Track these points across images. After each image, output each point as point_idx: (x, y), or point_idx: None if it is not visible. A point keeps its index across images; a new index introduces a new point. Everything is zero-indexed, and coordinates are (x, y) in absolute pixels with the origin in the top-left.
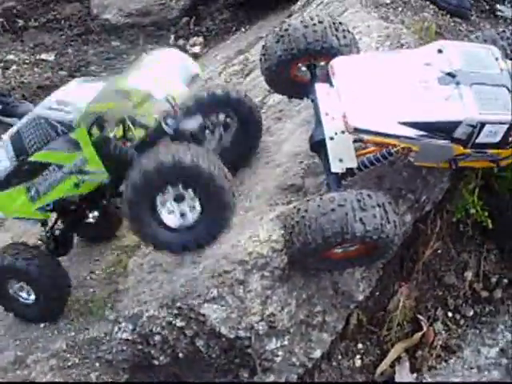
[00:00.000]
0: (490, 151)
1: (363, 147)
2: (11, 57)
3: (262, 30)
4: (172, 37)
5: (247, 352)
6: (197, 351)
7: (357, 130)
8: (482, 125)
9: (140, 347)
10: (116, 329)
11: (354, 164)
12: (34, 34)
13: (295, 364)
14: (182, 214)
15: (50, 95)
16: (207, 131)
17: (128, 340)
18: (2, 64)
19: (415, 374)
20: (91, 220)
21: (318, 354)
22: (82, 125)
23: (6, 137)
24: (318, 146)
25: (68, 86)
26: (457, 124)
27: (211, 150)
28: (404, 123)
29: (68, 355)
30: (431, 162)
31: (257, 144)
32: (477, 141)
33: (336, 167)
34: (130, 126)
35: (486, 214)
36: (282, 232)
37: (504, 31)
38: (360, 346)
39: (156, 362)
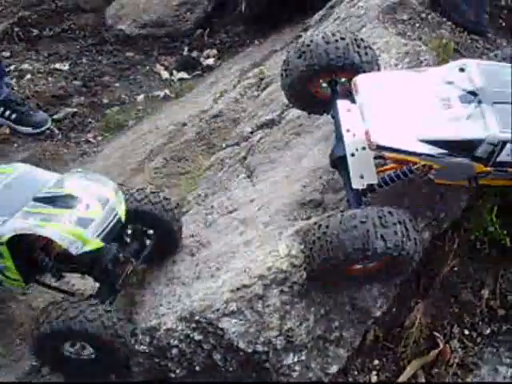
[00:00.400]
0: (511, 170)
1: (383, 164)
2: (26, 66)
3: (276, 43)
4: (186, 48)
5: (264, 366)
6: (214, 365)
7: (379, 147)
8: (504, 143)
9: (157, 360)
10: (133, 341)
11: (374, 180)
12: (49, 43)
13: (312, 379)
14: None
15: None
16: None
17: (145, 352)
18: (16, 73)
19: None
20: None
21: (334, 369)
22: (5, 245)
23: None
24: (339, 162)
25: (7, 177)
26: (478, 142)
27: (108, 311)
28: (425, 141)
29: None
30: (451, 179)
31: (177, 247)
32: (498, 159)
33: (357, 183)
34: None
35: (505, 232)
36: (302, 247)
37: None
38: (376, 362)
39: (172, 375)
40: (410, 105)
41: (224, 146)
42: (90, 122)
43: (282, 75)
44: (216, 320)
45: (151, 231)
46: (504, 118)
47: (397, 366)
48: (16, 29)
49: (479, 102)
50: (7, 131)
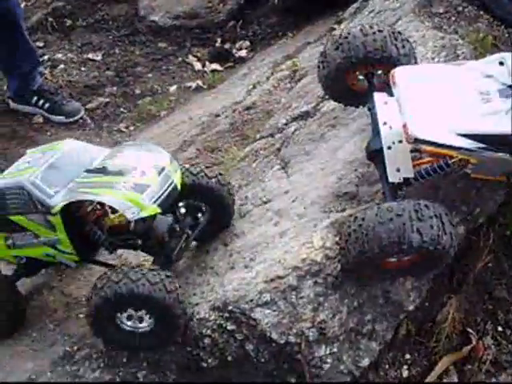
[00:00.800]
0: None
1: (419, 158)
2: (59, 56)
3: (309, 35)
4: (218, 40)
5: (296, 358)
6: (246, 355)
7: (417, 141)
8: None
9: (189, 349)
10: None
11: (410, 174)
12: (82, 33)
13: (343, 372)
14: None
15: (38, 162)
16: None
17: (177, 342)
18: (50, 63)
19: None
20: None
21: (366, 362)
22: (59, 214)
23: None
24: (375, 155)
25: (57, 152)
26: None
27: (168, 276)
28: (463, 135)
29: (116, 354)
30: (489, 174)
31: (229, 223)
32: None
33: (393, 177)
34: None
35: None
36: (336, 239)
37: None
38: (408, 356)
39: (204, 365)
40: (448, 98)
41: (258, 137)
42: (123, 112)
43: (318, 67)
44: (249, 310)
45: (204, 206)
46: None
47: (428, 361)
48: (50, 19)
49: None
50: (40, 120)
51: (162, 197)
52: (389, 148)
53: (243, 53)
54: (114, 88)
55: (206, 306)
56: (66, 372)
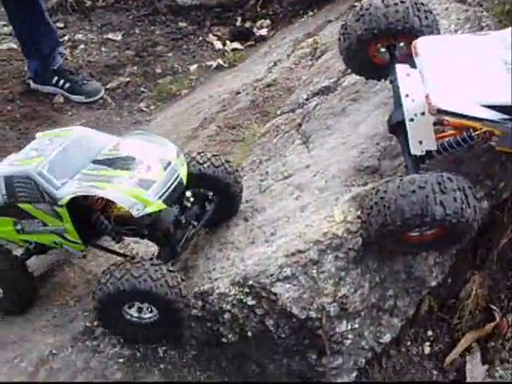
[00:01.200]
0: None
1: (441, 130)
2: (79, 36)
3: (330, 13)
4: (239, 19)
5: (317, 333)
6: (266, 330)
7: (440, 112)
8: None
9: (209, 324)
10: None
11: (433, 146)
12: (102, 14)
13: (364, 348)
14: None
15: (46, 151)
16: (191, 201)
17: (197, 317)
18: (70, 43)
19: (486, 366)
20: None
21: (387, 338)
22: (65, 206)
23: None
24: (397, 127)
25: (66, 140)
26: None
27: (171, 271)
28: (488, 106)
29: None
30: None
31: (236, 211)
32: None
33: (415, 149)
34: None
35: None
36: (358, 213)
37: None
38: (430, 333)
39: (224, 340)
40: (472, 68)
41: (279, 113)
42: (143, 92)
43: (339, 39)
44: (270, 285)
45: (211, 195)
46: None
47: (451, 337)
48: (70, 0)
49: None
50: (61, 100)
51: (167, 192)
52: (411, 120)
53: (264, 31)
54: (135, 68)
55: (227, 280)
56: (87, 347)
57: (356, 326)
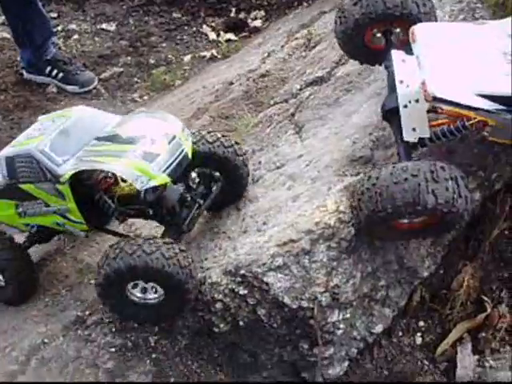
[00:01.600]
0: None
1: (435, 118)
2: (73, 26)
3: (324, 4)
4: (233, 10)
5: (309, 323)
6: (258, 320)
7: (435, 99)
8: None
9: (201, 314)
10: None
11: (426, 134)
12: (96, 4)
13: (356, 338)
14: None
15: (48, 130)
16: (196, 181)
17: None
18: (63, 33)
19: (477, 356)
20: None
21: (379, 328)
22: (68, 183)
23: (1, 154)
24: (391, 114)
25: (68, 120)
26: None
27: (183, 251)
28: (483, 95)
29: None
30: (507, 138)
31: (242, 194)
32: None
33: (408, 136)
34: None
35: None
36: (350, 199)
37: None
38: (421, 323)
39: (216, 330)
40: (469, 57)
41: (272, 103)
42: (137, 82)
43: (336, 22)
44: (261, 274)
45: (218, 175)
46: None
47: (442, 328)
48: None
49: None
50: (54, 90)
51: (172, 166)
52: (405, 107)
53: (258, 22)
54: (128, 58)
55: (219, 270)
56: (78, 336)
57: (348, 316)
